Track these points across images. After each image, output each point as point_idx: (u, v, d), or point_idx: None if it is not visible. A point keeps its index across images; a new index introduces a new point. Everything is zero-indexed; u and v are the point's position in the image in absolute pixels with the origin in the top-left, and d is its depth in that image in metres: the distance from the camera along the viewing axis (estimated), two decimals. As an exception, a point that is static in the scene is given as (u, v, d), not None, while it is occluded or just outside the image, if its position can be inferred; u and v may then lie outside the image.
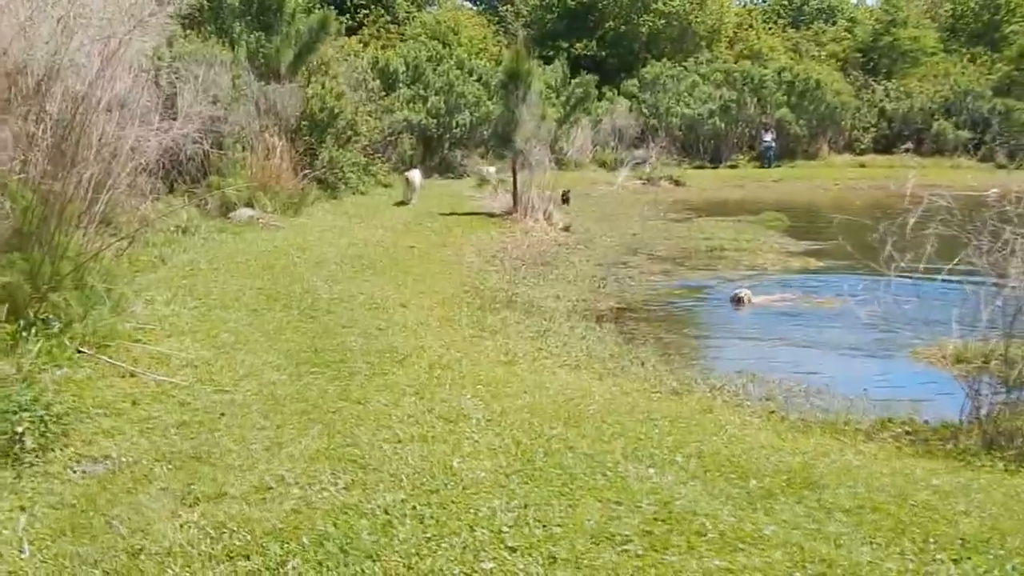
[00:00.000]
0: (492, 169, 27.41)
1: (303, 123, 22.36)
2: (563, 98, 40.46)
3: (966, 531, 5.16)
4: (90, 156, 8.87)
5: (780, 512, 5.33)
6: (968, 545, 4.98)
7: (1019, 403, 7.86)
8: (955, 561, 4.77)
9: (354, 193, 24.14)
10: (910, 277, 9.00)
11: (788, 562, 4.64)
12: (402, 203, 22.00)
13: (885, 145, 48.64)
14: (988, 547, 4.96)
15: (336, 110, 23.18)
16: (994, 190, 9.17)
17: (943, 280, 9.11)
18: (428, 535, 4.80)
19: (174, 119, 12.14)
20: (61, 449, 5.97)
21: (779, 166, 45.19)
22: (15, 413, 5.76)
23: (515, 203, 22.42)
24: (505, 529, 4.90)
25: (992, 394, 8.05)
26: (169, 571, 4.37)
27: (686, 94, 47.51)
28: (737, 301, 14.67)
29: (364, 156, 26.00)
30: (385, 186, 26.13)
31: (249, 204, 18.25)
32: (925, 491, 5.87)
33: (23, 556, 4.59)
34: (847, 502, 5.54)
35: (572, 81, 43.84)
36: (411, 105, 31.88)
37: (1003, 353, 8.17)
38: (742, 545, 4.83)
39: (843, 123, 50.40)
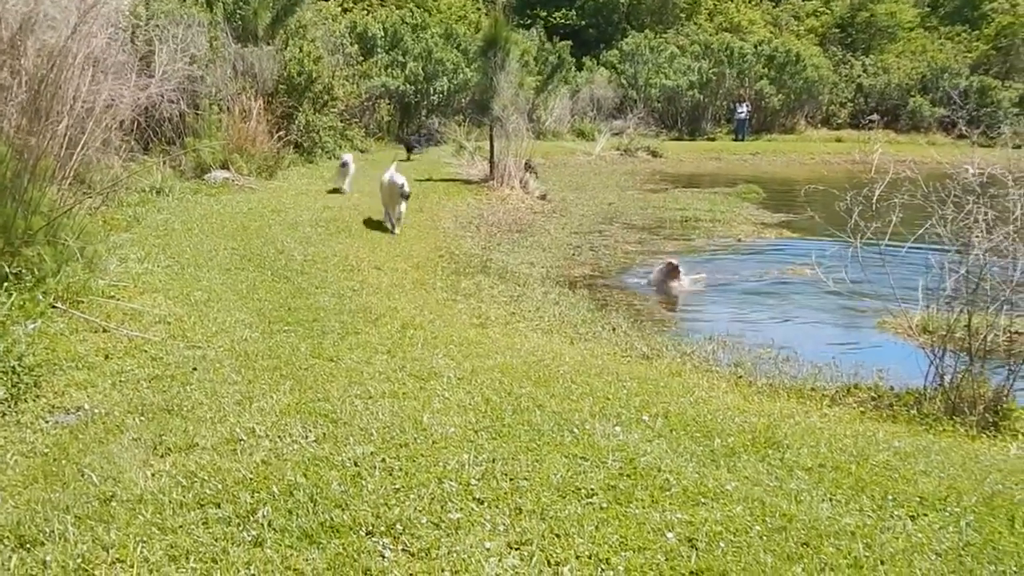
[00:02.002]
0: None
1: (280, 86, 22.26)
2: (540, 66, 40.36)
3: (924, 490, 5.27)
4: (64, 111, 8.84)
5: (743, 469, 5.43)
6: (926, 503, 5.09)
7: (982, 371, 7.98)
8: (912, 517, 4.89)
9: (330, 158, 24.06)
10: (877, 246, 9.10)
11: (749, 516, 4.74)
12: (336, 191, 18.55)
13: (862, 120, 48.82)
14: (945, 504, 5.07)
15: (313, 74, 23.08)
16: (968, 167, 9.29)
17: (908, 250, 9.22)
18: (397, 486, 4.87)
19: (150, 78, 12.08)
20: (33, 400, 6.02)
21: (755, 139, 45.31)
22: (-12, 364, 5.79)
23: (492, 171, 22.42)
24: (473, 482, 4.98)
25: (956, 363, 8.18)
26: (140, 517, 4.42)
27: (665, 65, 47.48)
28: (670, 273, 13.62)
29: (341, 121, 25.92)
30: (362, 151, 26.05)
31: (224, 166, 18.20)
32: (886, 452, 5.98)
33: (-5, 501, 4.64)
34: (809, 461, 5.65)
35: (547, 46, 43.82)
36: (389, 71, 31.75)
37: (967, 323, 8.29)
38: (704, 500, 4.93)
39: (820, 98, 50.57)
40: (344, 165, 18.68)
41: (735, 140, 45.62)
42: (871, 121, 42.28)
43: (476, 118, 26.02)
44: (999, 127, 31.90)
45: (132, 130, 13.96)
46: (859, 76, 52.08)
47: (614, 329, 10.58)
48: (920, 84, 50.48)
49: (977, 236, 8.09)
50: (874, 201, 8.56)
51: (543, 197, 22.01)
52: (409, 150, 26.12)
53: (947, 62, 50.86)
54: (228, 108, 19.45)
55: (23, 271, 7.70)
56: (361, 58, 30.32)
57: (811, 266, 11.75)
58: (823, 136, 47.77)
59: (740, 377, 8.82)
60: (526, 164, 22.75)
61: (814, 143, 44.79)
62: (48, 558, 4.02)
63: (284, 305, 8.95)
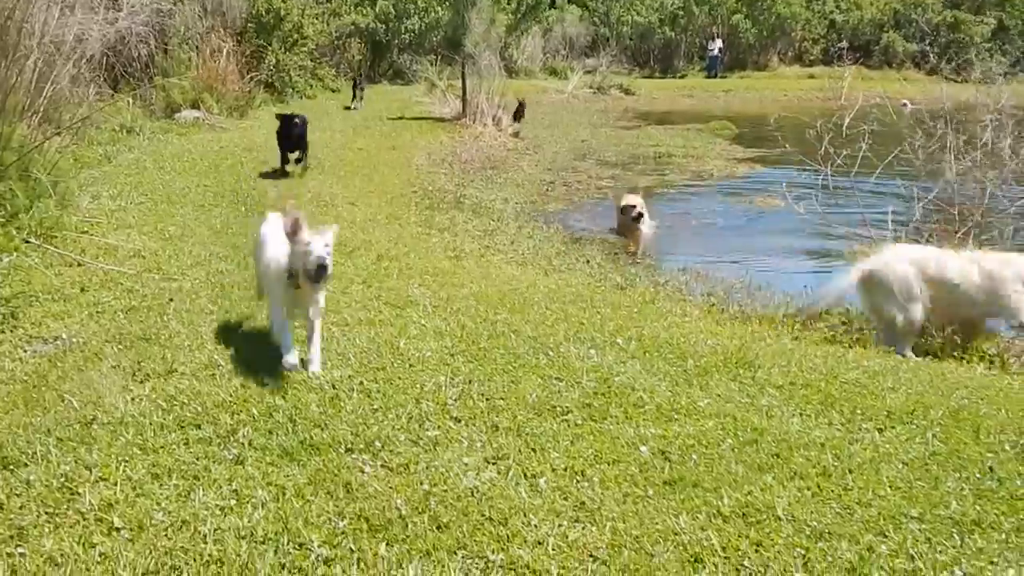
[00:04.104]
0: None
1: (249, 25, 22.03)
2: (513, 5, 40.01)
3: (892, 404, 5.39)
4: (33, 46, 8.76)
5: (715, 387, 5.53)
6: (893, 416, 5.20)
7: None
8: (880, 430, 5.00)
9: (301, 97, 23.95)
10: (847, 176, 9.20)
11: (720, 430, 4.84)
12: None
13: (834, 57, 48.75)
14: (912, 418, 5.19)
15: (282, 12, 22.86)
16: (905, 101, 9.39)
17: (879, 179, 9.32)
18: (375, 407, 4.94)
19: (119, 12, 11.95)
20: (11, 330, 6.04)
21: (725, 76, 45.21)
22: (-37, 294, 5.80)
23: (464, 109, 22.34)
24: (450, 402, 5.05)
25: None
26: (122, 439, 4.47)
27: (637, 2, 47.14)
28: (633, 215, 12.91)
29: (311, 60, 25.69)
30: (333, 91, 25.87)
31: (195, 105, 18.08)
32: (855, 370, 6.10)
33: (-24, 427, 4.68)
34: (779, 379, 5.75)
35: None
36: (359, 9, 31.43)
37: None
38: (677, 416, 5.02)
39: (793, 34, 50.37)
40: None
41: (708, 77, 45.53)
42: (841, 49, 42.00)
43: (448, 56, 25.83)
44: (971, 62, 31.99)
45: (101, 67, 13.80)
46: (832, 12, 51.85)
47: (588, 261, 10.66)
48: (893, 19, 50.36)
49: (946, 162, 8.19)
50: (844, 127, 8.63)
51: (516, 134, 21.95)
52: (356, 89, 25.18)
53: (920, -3, 50.75)
54: (198, 47, 19.26)
55: (-5, 206, 7.68)
56: (331, -5, 30.02)
57: (781, 196, 11.84)
58: (796, 73, 47.67)
59: (713, 305, 8.93)
60: (517, 109, 22.32)
61: (787, 80, 44.73)
62: (31, 478, 4.06)
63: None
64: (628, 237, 12.76)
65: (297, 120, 13.40)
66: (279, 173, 13.09)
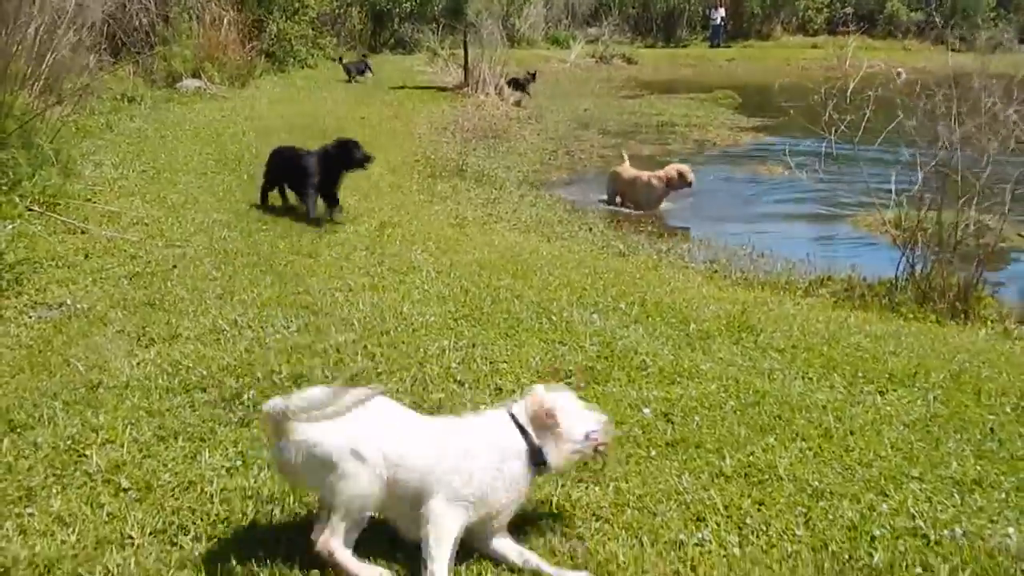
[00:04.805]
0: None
1: (249, -7, 21.96)
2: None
3: (893, 368, 5.41)
4: (34, 12, 8.74)
5: (717, 351, 5.56)
6: (895, 379, 5.23)
7: (951, 261, 8.12)
8: (881, 393, 5.03)
9: (303, 67, 23.85)
10: (851, 144, 9.18)
11: (723, 393, 4.86)
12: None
13: (838, 26, 48.44)
14: (913, 381, 5.22)
15: (282, -20, 22.77)
16: (899, 70, 9.39)
17: (882, 147, 9.30)
18: (379, 370, 4.97)
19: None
20: (15, 296, 6.07)
21: (728, 46, 44.98)
22: (-32, 261, 5.82)
23: (466, 78, 22.28)
24: (453, 365, 5.08)
25: (926, 254, 8.31)
26: (128, 402, 4.50)
27: (640, -30, 46.88)
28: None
29: (312, 29, 25.58)
30: (334, 60, 25.75)
31: (196, 75, 18.02)
32: (857, 335, 6.12)
33: (-18, 391, 4.71)
34: (782, 343, 5.78)
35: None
36: (360, -23, 31.27)
37: (937, 216, 8.41)
38: (679, 379, 5.05)
39: (797, 3, 50.06)
40: None
41: (711, 47, 45.29)
42: (845, 15, 41.69)
43: (450, 25, 25.70)
44: (975, 31, 31.83)
45: (102, 35, 13.76)
46: (836, -20, 51.52)
47: (591, 229, 10.67)
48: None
49: (945, 128, 8.18)
50: (848, 93, 8.61)
51: (518, 104, 21.90)
52: (348, 74, 24.60)
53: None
54: (198, 16, 19.19)
55: (-2, 174, 7.69)
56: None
57: (785, 164, 11.81)
58: (799, 42, 47.36)
59: (715, 272, 8.95)
60: (517, 82, 22.18)
61: (790, 49, 44.44)
62: (39, 440, 4.10)
63: (261, 206, 8.95)
64: (647, 208, 12.61)
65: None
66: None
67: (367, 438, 3.14)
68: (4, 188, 7.62)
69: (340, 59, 24.55)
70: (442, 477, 3.14)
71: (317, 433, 3.12)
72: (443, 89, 22.19)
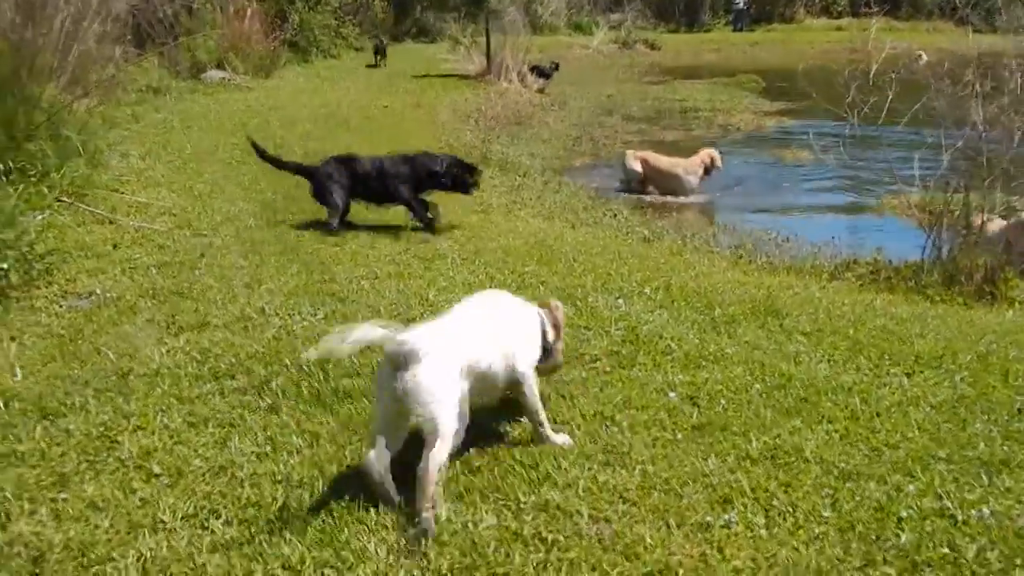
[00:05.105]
0: None
1: (272, -17, 22.04)
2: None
3: (920, 350, 5.39)
4: (59, 4, 8.80)
5: (743, 335, 5.55)
6: (921, 361, 5.21)
7: (978, 243, 8.08)
8: (908, 375, 5.01)
9: (325, 56, 23.93)
10: (875, 126, 9.15)
11: (749, 376, 4.86)
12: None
13: (862, 8, 48.13)
14: (940, 363, 5.19)
15: (305, -30, 22.83)
16: (920, 52, 9.33)
17: (906, 128, 9.26)
18: (406, 357, 4.99)
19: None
20: (46, 286, 6.13)
21: (752, 30, 44.79)
22: (-1, 251, 5.88)
23: (489, 65, 22.27)
24: (479, 351, 5.10)
25: (953, 236, 8.28)
26: (158, 389, 4.55)
27: (662, -45, 46.74)
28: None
29: (335, 19, 25.64)
30: (357, 49, 25.85)
31: (220, 65, 18.13)
32: (883, 318, 6.10)
33: (16, 379, 4.76)
34: (807, 326, 5.76)
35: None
36: (383, -34, 31.32)
37: (964, 197, 8.37)
38: (705, 363, 5.05)
39: (820, -15, 49.82)
40: None
41: (734, 31, 45.17)
42: (867, 4, 41.34)
43: (472, 13, 25.72)
44: (997, 13, 31.49)
45: (127, 27, 13.83)
46: (859, -39, 51.16)
47: (615, 215, 10.68)
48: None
49: (974, 110, 8.13)
50: (871, 76, 8.57)
51: (541, 90, 21.89)
52: (377, 53, 25.23)
53: (950, -57, 49.93)
54: (222, 7, 19.27)
55: (26, 165, 7.75)
56: (353, -47, 29.89)
57: (809, 148, 11.77)
58: (823, 25, 47.17)
59: (740, 257, 8.93)
60: (540, 70, 22.20)
61: (814, 32, 44.26)
62: (71, 427, 4.16)
63: (288, 195, 9.01)
64: (685, 195, 12.61)
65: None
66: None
67: (466, 355, 3.66)
68: (33, 179, 7.69)
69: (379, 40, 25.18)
70: (520, 353, 3.99)
71: (435, 363, 3.44)
72: (465, 77, 22.20)
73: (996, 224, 8.39)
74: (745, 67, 29.27)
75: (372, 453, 3.40)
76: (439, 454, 3.34)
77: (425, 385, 3.39)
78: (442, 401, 3.42)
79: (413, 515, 3.33)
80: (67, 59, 9.32)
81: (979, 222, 8.19)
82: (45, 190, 7.68)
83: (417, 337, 3.46)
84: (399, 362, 3.41)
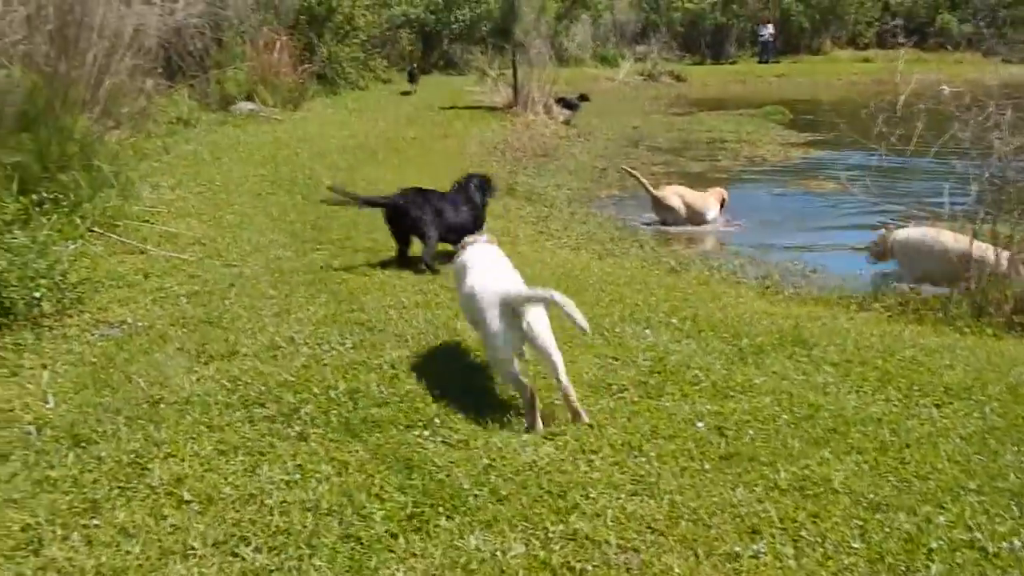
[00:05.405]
0: None
1: (301, 17, 22.24)
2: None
3: (949, 381, 5.37)
4: (92, 40, 8.93)
5: (770, 365, 5.55)
6: (951, 392, 5.20)
7: (1008, 274, 8.03)
8: (937, 406, 5.00)
9: (353, 88, 24.12)
10: (903, 156, 9.15)
11: (776, 406, 4.86)
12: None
13: (888, 39, 48.15)
14: (970, 394, 5.18)
15: (333, 4, 23.03)
16: (944, 86, 9.34)
17: (933, 159, 9.25)
18: (433, 385, 5.02)
19: (175, 2, 12.13)
20: (78, 314, 6.19)
21: (777, 62, 44.87)
22: (32, 280, 5.93)
23: (515, 97, 22.39)
24: (507, 380, 5.12)
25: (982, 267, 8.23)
26: (188, 417, 4.59)
27: (687, -13, 46.97)
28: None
29: (363, 51, 25.88)
30: (384, 81, 26.05)
31: (249, 97, 18.30)
32: (912, 348, 6.08)
33: (48, 406, 4.81)
34: (835, 357, 5.76)
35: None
36: (410, 0, 31.59)
37: (992, 228, 8.33)
38: (733, 393, 5.05)
39: (846, 17, 49.81)
40: None
41: (760, 63, 45.23)
42: (896, 27, 41.32)
43: (498, 45, 25.92)
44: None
45: (158, 59, 14.01)
46: (885, -6, 51.23)
47: (641, 245, 10.70)
48: (948, 0, 49.62)
49: (998, 139, 8.11)
50: (898, 107, 8.57)
51: (567, 122, 21.99)
52: (411, 80, 26.38)
53: (977, -25, 49.93)
54: (251, 40, 19.49)
55: (59, 196, 7.84)
56: (380, -14, 30.21)
57: (836, 179, 11.76)
58: (850, 56, 47.18)
59: (767, 287, 8.92)
60: (567, 102, 22.33)
61: (841, 64, 44.31)
62: (103, 454, 4.19)
63: (316, 226, 9.08)
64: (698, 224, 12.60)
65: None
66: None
67: None
68: (66, 209, 7.78)
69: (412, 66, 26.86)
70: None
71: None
72: (492, 109, 22.32)
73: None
74: (771, 99, 29.29)
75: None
76: None
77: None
78: None
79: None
80: (99, 91, 9.44)
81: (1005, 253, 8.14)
82: (78, 220, 7.76)
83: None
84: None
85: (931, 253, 8.85)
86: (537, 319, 4.75)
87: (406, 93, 24.62)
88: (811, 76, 39.81)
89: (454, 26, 32.88)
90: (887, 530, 3.63)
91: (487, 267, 5.19)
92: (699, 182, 13.82)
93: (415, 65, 28.20)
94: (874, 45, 48.74)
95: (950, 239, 8.66)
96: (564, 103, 22.52)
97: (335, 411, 4.66)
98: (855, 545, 3.52)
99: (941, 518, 3.71)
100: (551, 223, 11.38)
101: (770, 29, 45.75)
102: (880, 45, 47.89)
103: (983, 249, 8.19)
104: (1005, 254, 8.05)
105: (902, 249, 9.28)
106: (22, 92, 8.21)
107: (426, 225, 7.74)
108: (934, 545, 3.52)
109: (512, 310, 4.72)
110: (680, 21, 46.34)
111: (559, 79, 23.83)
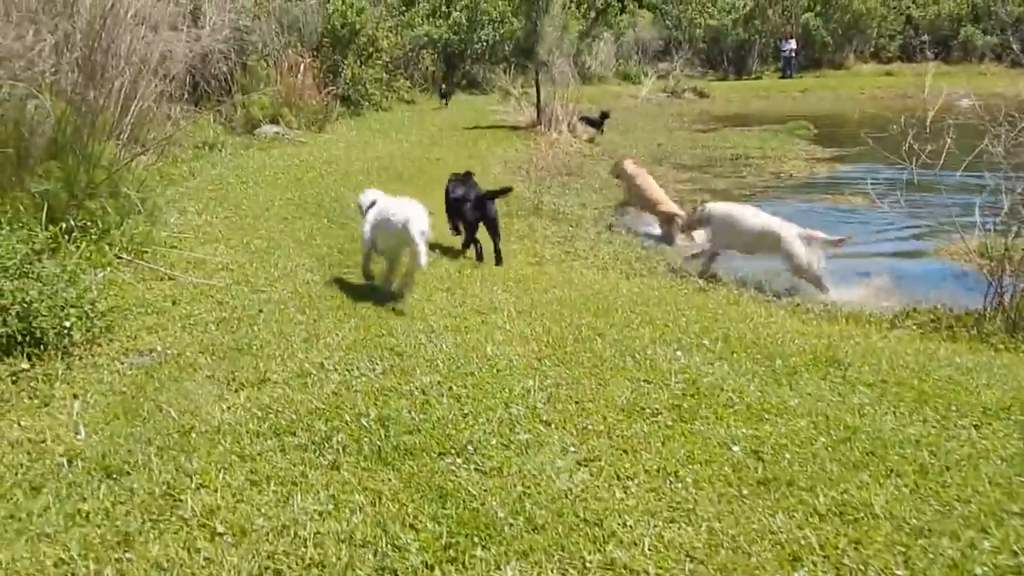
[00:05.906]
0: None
1: (324, 39, 22.34)
2: (584, 10, 40.02)
3: (987, 401, 5.30)
4: (119, 67, 8.98)
5: (805, 386, 5.49)
6: (989, 412, 5.12)
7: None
8: (976, 427, 4.92)
9: (377, 110, 24.19)
10: (932, 172, 9.07)
11: (813, 429, 4.80)
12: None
13: (911, 53, 48.01)
14: (1009, 414, 5.10)
15: (357, 26, 23.11)
16: (966, 99, 9.28)
17: (964, 175, 9.16)
18: (465, 411, 4.98)
19: (200, 29, 12.20)
20: (107, 343, 6.18)
21: (800, 77, 44.78)
22: (62, 308, 5.93)
23: (539, 116, 22.41)
24: (539, 405, 5.08)
25: (1015, 282, 8.14)
26: (220, 447, 4.57)
27: (709, 4, 46.95)
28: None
29: (386, 72, 25.96)
30: (408, 102, 26.12)
31: (274, 120, 18.36)
32: (948, 368, 6.01)
33: (79, 437, 4.80)
34: (870, 377, 5.69)
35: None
36: (432, 20, 31.69)
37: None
38: (768, 415, 5.00)
39: (869, 31, 49.67)
40: None
41: (782, 78, 45.18)
42: (922, 42, 41.15)
43: (521, 64, 25.98)
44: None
45: (184, 85, 14.10)
46: (908, 7, 51.05)
47: (669, 264, 10.63)
48: (972, 13, 49.41)
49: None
50: (927, 123, 8.51)
51: (591, 140, 21.97)
52: (443, 97, 27.60)
53: (1000, -12, 49.73)
54: (275, 63, 19.58)
55: (88, 223, 7.85)
56: (403, 8, 30.30)
57: (864, 194, 11.66)
58: (873, 70, 47.05)
59: (798, 306, 8.85)
60: (589, 120, 22.34)
61: (865, 78, 44.15)
62: (135, 486, 4.17)
63: (343, 250, 9.07)
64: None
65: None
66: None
67: None
68: (94, 237, 7.79)
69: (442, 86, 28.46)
70: None
71: None
72: (516, 128, 22.34)
73: None
74: (795, 114, 29.18)
75: None
76: None
77: None
78: None
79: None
80: (126, 118, 9.48)
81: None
82: (106, 247, 7.77)
83: None
84: None
85: (735, 226, 10.47)
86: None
87: (439, 108, 25.74)
88: (834, 90, 39.67)
89: (477, 46, 32.96)
90: (931, 556, 3.56)
91: None
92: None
93: (444, 84, 29.40)
94: (897, 59, 48.55)
95: (751, 214, 10.50)
96: (587, 121, 22.51)
97: (367, 439, 4.63)
98: (899, 572, 3.47)
99: (986, 543, 3.65)
100: (577, 243, 11.33)
101: (792, 44, 45.70)
102: (903, 59, 47.71)
103: (775, 224, 10.14)
104: (796, 229, 9.82)
105: (712, 220, 10.79)
106: (51, 121, 8.24)
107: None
108: (979, 572, 3.46)
109: None
110: (702, 37, 46.40)
111: (582, 97, 23.82)
